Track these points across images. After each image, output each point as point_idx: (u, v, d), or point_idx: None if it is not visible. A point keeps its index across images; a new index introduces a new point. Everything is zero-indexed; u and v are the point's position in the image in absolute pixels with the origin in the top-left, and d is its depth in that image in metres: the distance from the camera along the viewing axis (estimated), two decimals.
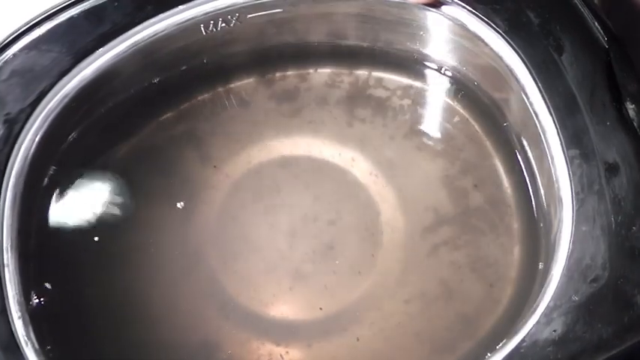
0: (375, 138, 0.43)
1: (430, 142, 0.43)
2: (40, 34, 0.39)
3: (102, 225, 0.42)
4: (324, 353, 0.39)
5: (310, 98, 0.44)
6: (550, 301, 0.34)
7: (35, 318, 0.36)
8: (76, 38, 0.39)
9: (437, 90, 0.44)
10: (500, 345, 0.34)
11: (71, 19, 0.39)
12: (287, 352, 0.39)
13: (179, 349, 0.39)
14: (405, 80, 0.44)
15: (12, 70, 0.39)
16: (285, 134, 0.43)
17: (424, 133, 0.43)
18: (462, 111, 0.43)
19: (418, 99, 0.44)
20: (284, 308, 0.40)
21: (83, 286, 0.40)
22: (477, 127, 0.43)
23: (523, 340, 0.33)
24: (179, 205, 0.42)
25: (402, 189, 0.42)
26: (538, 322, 0.33)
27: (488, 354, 0.33)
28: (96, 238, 0.41)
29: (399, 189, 0.42)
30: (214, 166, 0.43)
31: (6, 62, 0.39)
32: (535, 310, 0.34)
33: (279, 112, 0.44)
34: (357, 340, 0.39)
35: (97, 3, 0.39)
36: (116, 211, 0.42)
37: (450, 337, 0.39)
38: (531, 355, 0.33)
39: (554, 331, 0.33)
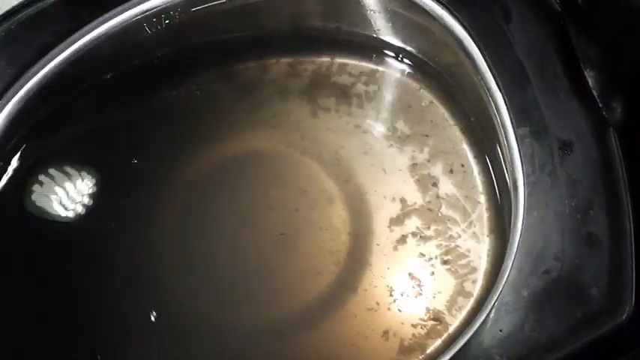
0: (340, 127, 0.41)
1: (396, 130, 0.40)
2: None
3: (51, 228, 0.40)
4: (287, 351, 0.37)
5: (273, 89, 0.42)
6: (497, 298, 0.31)
7: None
8: (15, 50, 0.38)
9: (400, 73, 0.41)
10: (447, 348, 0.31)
11: (8, 31, 0.38)
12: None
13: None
14: (368, 65, 0.41)
15: None
16: (249, 128, 0.41)
17: (390, 120, 0.40)
18: (428, 94, 0.40)
19: (382, 84, 0.41)
20: (245, 305, 0.38)
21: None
22: (443, 110, 0.40)
23: (468, 342, 0.30)
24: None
25: (369, 179, 0.39)
26: (484, 321, 0.30)
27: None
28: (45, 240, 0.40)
29: (364, 179, 0.39)
30: (174, 162, 0.41)
31: None
32: (482, 307, 0.31)
33: (241, 106, 0.42)
34: (321, 338, 0.37)
35: (31, 13, 0.38)
36: (69, 206, 0.41)
37: (419, 335, 0.37)
38: (475, 358, 0.30)
39: (500, 330, 0.30)
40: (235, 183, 0.41)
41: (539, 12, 0.33)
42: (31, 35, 0.39)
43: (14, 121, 0.39)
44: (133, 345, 0.37)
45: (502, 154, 0.35)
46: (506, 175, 0.35)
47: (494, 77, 0.33)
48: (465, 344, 0.30)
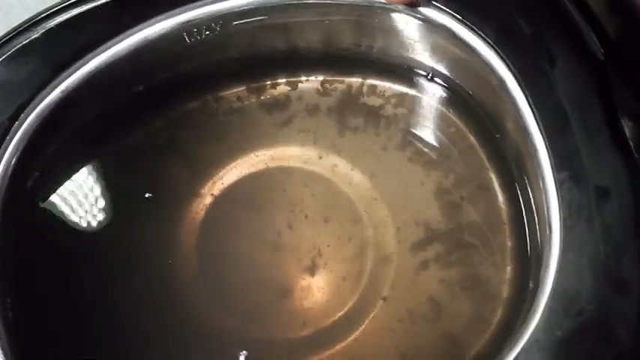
0: (367, 148, 0.41)
1: (424, 154, 0.41)
2: (18, 46, 0.38)
3: (82, 231, 0.41)
4: None
5: (301, 106, 0.43)
6: (531, 336, 0.32)
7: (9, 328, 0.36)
8: (55, 50, 0.38)
9: (431, 99, 0.42)
10: None
11: (50, 31, 0.38)
12: None
13: None
14: (399, 88, 0.42)
15: None
16: (275, 144, 0.42)
17: (418, 144, 0.41)
18: (457, 121, 0.41)
19: (412, 108, 0.42)
20: (265, 322, 0.39)
21: (55, 289, 0.39)
22: (472, 138, 0.41)
23: None
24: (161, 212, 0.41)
25: (393, 202, 0.40)
26: (516, 358, 0.32)
27: None
28: (75, 244, 0.40)
29: (389, 202, 0.40)
30: (200, 175, 0.42)
31: None
32: (515, 344, 0.32)
33: (269, 121, 0.43)
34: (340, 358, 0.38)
35: (74, 14, 0.39)
36: (98, 218, 0.41)
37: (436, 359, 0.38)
38: None
39: None
40: (259, 198, 0.41)
41: (583, 60, 0.34)
42: (71, 36, 0.39)
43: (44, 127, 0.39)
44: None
45: (533, 192, 0.36)
46: (536, 213, 0.36)
47: (535, 119, 0.34)
48: None
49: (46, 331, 0.38)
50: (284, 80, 0.43)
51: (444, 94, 0.42)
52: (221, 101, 0.43)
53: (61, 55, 0.38)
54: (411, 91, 0.42)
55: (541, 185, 0.34)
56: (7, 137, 0.38)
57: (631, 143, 0.33)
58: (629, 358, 0.31)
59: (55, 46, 0.38)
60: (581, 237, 0.32)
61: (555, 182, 0.33)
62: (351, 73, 0.43)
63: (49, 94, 0.38)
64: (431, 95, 0.42)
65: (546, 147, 0.34)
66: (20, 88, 0.38)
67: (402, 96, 0.42)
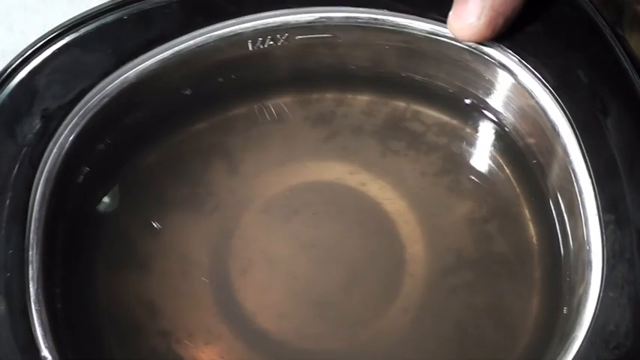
0: (407, 172, 0.43)
1: (460, 182, 0.43)
2: (87, 32, 0.39)
3: (127, 231, 0.42)
4: None
5: (346, 124, 0.44)
6: None
7: (55, 320, 0.36)
8: (122, 40, 0.39)
9: (474, 131, 0.44)
10: None
11: (120, 20, 0.39)
12: None
13: None
14: (442, 117, 0.44)
15: (54, 66, 0.38)
16: (317, 158, 0.43)
17: (455, 173, 0.43)
18: (496, 155, 0.43)
19: (454, 138, 0.44)
20: (295, 337, 0.41)
21: (100, 289, 0.40)
22: (509, 173, 0.43)
23: None
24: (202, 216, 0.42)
25: (427, 226, 0.42)
26: None
27: None
28: (119, 243, 0.41)
29: (424, 226, 0.42)
30: (242, 181, 0.43)
31: (49, 57, 0.38)
32: None
33: (312, 135, 0.44)
34: None
35: (147, 7, 0.39)
36: (142, 218, 0.42)
37: None
38: None
39: None
40: (297, 209, 0.43)
41: (634, 114, 0.37)
42: (141, 29, 0.39)
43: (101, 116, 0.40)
44: None
45: (572, 230, 0.38)
46: (573, 250, 0.38)
47: (585, 163, 0.37)
48: None
49: (91, 324, 0.39)
50: (331, 96, 0.45)
51: (488, 128, 0.44)
52: (266, 110, 0.44)
53: (128, 47, 0.39)
54: (455, 121, 0.44)
55: (583, 225, 0.37)
56: (65, 121, 0.38)
57: None
58: None
59: (123, 36, 0.39)
60: (622, 276, 0.35)
61: (600, 223, 0.36)
62: (397, 97, 0.45)
63: (109, 84, 0.39)
64: (474, 127, 0.44)
65: (594, 190, 0.36)
66: (84, 74, 0.39)
67: (445, 125, 0.44)
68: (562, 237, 0.40)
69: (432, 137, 0.44)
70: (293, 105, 0.45)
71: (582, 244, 0.37)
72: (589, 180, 0.37)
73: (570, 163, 0.37)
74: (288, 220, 0.42)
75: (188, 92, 0.42)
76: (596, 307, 0.35)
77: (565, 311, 0.37)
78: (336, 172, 0.43)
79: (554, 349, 0.36)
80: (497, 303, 0.40)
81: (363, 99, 0.45)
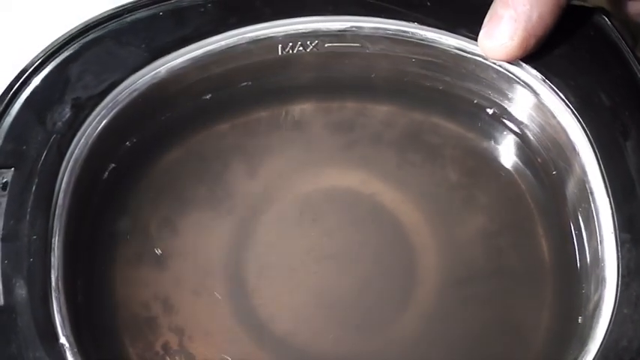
0: (422, 184, 0.44)
1: (475, 197, 0.44)
2: (122, 25, 0.39)
3: (145, 228, 0.42)
4: None
5: (365, 134, 0.45)
6: None
7: (74, 310, 0.36)
8: (156, 36, 0.40)
9: (492, 146, 0.45)
10: None
11: (155, 16, 0.40)
12: None
13: None
14: (461, 131, 0.45)
15: (87, 57, 0.39)
16: (335, 165, 0.44)
17: (470, 187, 0.44)
18: (513, 170, 0.44)
19: (471, 152, 0.45)
20: (309, 339, 0.41)
21: (118, 283, 0.41)
22: (525, 189, 0.44)
23: None
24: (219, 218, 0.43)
25: (441, 239, 0.43)
26: None
27: None
28: (138, 240, 0.42)
29: (437, 238, 0.43)
30: (260, 185, 0.43)
31: (83, 48, 0.39)
32: None
33: (332, 142, 0.44)
34: None
35: (183, 5, 0.40)
36: (160, 216, 0.42)
37: None
38: None
39: None
40: (314, 215, 0.43)
41: None
42: (175, 26, 0.40)
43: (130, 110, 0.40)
44: None
45: (588, 248, 0.39)
46: (588, 267, 0.39)
47: (604, 184, 0.38)
48: None
49: (108, 317, 0.40)
50: (352, 105, 0.45)
51: (507, 143, 0.44)
52: (288, 115, 0.45)
53: (161, 43, 0.40)
54: (473, 135, 0.45)
55: (599, 243, 0.38)
56: (95, 112, 0.39)
57: None
58: None
59: (157, 32, 0.40)
60: (636, 294, 0.36)
61: (616, 241, 0.37)
62: (417, 109, 0.45)
63: (139, 78, 0.39)
64: (492, 142, 0.45)
65: (611, 209, 0.37)
66: (116, 66, 0.39)
67: (463, 138, 0.45)
68: (577, 253, 0.40)
69: (449, 150, 0.45)
70: (314, 112, 0.45)
71: (597, 261, 0.38)
72: (607, 199, 0.38)
73: (588, 182, 0.39)
74: (304, 226, 0.43)
75: (214, 93, 0.43)
76: (610, 322, 0.36)
77: (580, 321, 0.38)
78: (353, 180, 0.44)
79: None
80: (509, 316, 0.41)
81: (383, 109, 0.45)
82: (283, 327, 0.41)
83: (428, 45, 0.41)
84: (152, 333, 0.40)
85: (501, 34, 0.39)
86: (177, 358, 0.40)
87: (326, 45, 0.42)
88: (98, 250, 0.41)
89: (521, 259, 0.42)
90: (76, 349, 0.35)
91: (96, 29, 0.39)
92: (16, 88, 0.38)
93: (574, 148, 0.39)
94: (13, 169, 0.37)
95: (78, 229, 0.39)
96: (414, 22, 0.40)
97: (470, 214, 0.43)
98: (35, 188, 0.37)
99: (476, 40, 0.40)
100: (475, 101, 0.44)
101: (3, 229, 0.36)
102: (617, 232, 0.37)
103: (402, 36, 0.41)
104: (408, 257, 0.42)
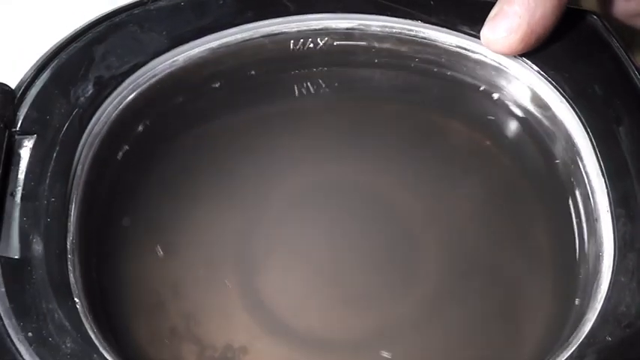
0: (430, 179, 0.45)
1: (479, 191, 0.45)
2: (145, 12, 0.42)
3: (156, 216, 0.43)
4: None
5: (374, 129, 0.46)
6: (584, 339, 0.36)
7: (89, 280, 0.38)
8: (177, 25, 0.42)
9: (493, 140, 0.46)
10: None
11: (176, 6, 0.42)
12: None
13: (206, 347, 0.40)
14: (464, 127, 0.47)
15: (111, 40, 0.41)
16: (342, 158, 0.45)
17: (475, 181, 0.45)
18: (514, 162, 0.46)
19: (474, 146, 0.46)
20: (312, 325, 0.42)
21: (128, 267, 0.42)
22: (527, 179, 0.45)
23: None
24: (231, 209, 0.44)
25: (444, 232, 0.44)
26: (572, 355, 0.35)
27: None
28: (148, 227, 0.43)
29: (441, 231, 0.44)
30: (269, 176, 0.45)
31: (108, 31, 0.41)
32: (569, 344, 0.36)
33: (340, 137, 0.46)
34: None
35: None
36: (170, 204, 0.43)
37: None
38: None
39: None
40: (320, 206, 0.44)
41: None
42: (194, 16, 0.42)
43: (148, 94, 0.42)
44: None
45: (587, 227, 0.41)
46: (585, 245, 0.41)
47: (599, 166, 0.39)
48: None
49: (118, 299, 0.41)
50: (360, 102, 0.47)
51: (507, 137, 0.46)
52: (297, 110, 0.47)
53: (181, 32, 0.42)
54: (476, 131, 0.47)
55: (595, 220, 0.39)
56: (116, 91, 0.41)
57: None
58: None
59: (177, 21, 0.42)
60: (633, 264, 0.37)
61: (612, 217, 0.39)
62: (422, 107, 0.47)
63: (159, 64, 0.42)
64: (493, 136, 0.46)
65: (607, 188, 0.39)
66: (138, 50, 0.41)
67: (466, 133, 0.47)
68: (576, 235, 0.42)
69: (453, 146, 0.46)
70: (323, 107, 0.47)
71: (594, 238, 0.39)
72: (602, 179, 0.39)
73: (584, 166, 0.41)
74: (309, 216, 0.44)
75: (227, 84, 0.45)
76: (608, 289, 0.37)
77: (577, 302, 0.39)
78: (359, 173, 0.45)
79: (566, 336, 0.38)
80: (509, 303, 0.42)
81: (390, 107, 0.47)
82: (289, 313, 0.41)
83: (430, 44, 0.44)
84: (160, 317, 0.41)
85: (505, 28, 0.41)
86: (184, 342, 0.40)
87: (335, 43, 0.44)
88: (110, 233, 0.42)
89: (521, 245, 0.43)
90: (87, 309, 0.36)
91: (122, 15, 0.41)
92: (43, 62, 0.40)
93: (570, 136, 0.41)
94: (35, 135, 0.38)
95: (93, 203, 0.40)
96: (418, 20, 0.43)
97: (471, 203, 0.45)
98: (56, 156, 0.38)
99: (476, 37, 0.43)
100: (477, 99, 0.46)
101: (23, 189, 0.37)
102: (613, 208, 0.39)
103: (407, 34, 0.43)
104: (411, 248, 0.43)
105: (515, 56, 0.43)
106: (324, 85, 0.47)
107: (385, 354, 0.40)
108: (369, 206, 0.45)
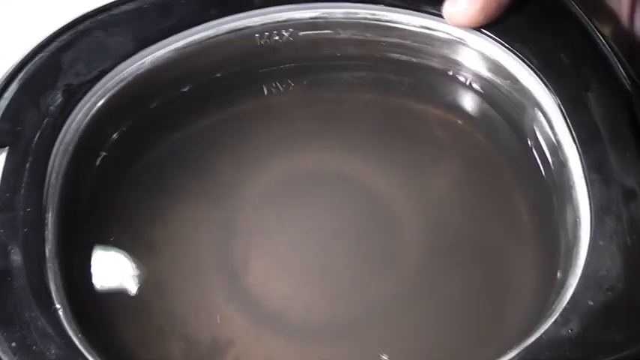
0: (406, 162, 0.45)
1: (455, 169, 0.45)
2: (109, 17, 0.42)
3: (137, 217, 0.43)
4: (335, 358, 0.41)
5: (346, 119, 0.47)
6: (567, 304, 0.36)
7: (70, 285, 0.38)
8: (142, 27, 0.42)
9: (465, 119, 0.47)
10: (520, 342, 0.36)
11: (140, 8, 0.42)
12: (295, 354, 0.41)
13: (194, 343, 0.40)
14: (436, 110, 0.47)
15: (77, 47, 0.41)
16: (317, 149, 0.46)
17: (450, 160, 0.46)
18: (488, 139, 0.46)
19: (447, 127, 0.47)
20: (299, 313, 0.42)
21: (108, 270, 0.42)
22: (500, 155, 0.46)
23: (541, 337, 0.35)
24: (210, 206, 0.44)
25: (425, 212, 0.44)
26: (555, 321, 0.35)
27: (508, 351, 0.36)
28: (129, 228, 0.43)
29: (421, 211, 0.44)
30: (246, 172, 0.45)
31: (73, 39, 0.41)
32: (552, 311, 0.36)
33: (313, 129, 0.46)
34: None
35: None
36: (151, 205, 0.44)
37: (460, 356, 0.41)
38: (549, 351, 0.35)
39: (571, 330, 0.35)
40: (298, 197, 0.45)
41: (613, 88, 0.40)
42: (158, 18, 0.43)
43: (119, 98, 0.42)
44: None
45: (561, 195, 0.41)
46: (565, 214, 0.41)
47: (570, 133, 0.40)
48: (540, 337, 0.35)
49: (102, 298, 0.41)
50: (331, 92, 0.48)
51: (478, 114, 0.47)
52: (269, 105, 0.47)
53: (147, 33, 0.42)
54: (448, 113, 0.47)
55: (569, 188, 0.40)
56: (85, 97, 0.41)
57: None
58: None
59: (143, 23, 0.42)
60: (610, 227, 0.37)
61: (587, 182, 0.39)
62: (394, 92, 0.48)
63: (127, 67, 0.42)
64: (465, 116, 0.47)
65: (579, 154, 0.39)
66: (105, 55, 0.42)
67: (438, 115, 0.47)
68: (555, 207, 0.42)
69: (426, 128, 0.47)
70: (296, 100, 0.47)
71: (570, 206, 0.39)
72: (574, 147, 0.40)
73: (556, 135, 0.41)
74: (290, 208, 0.44)
75: (198, 83, 0.45)
76: (588, 254, 0.37)
77: (559, 269, 0.39)
78: (335, 162, 0.45)
79: (550, 303, 0.38)
80: (493, 278, 0.42)
81: (359, 93, 0.48)
82: (274, 305, 0.41)
83: (395, 27, 0.44)
84: (146, 317, 0.41)
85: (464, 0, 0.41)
86: (171, 340, 0.40)
87: (300, 33, 0.44)
88: (90, 239, 0.42)
89: (500, 219, 0.44)
90: (70, 314, 0.36)
91: (86, 21, 0.42)
92: (11, 74, 0.40)
93: (540, 106, 0.41)
94: (7, 147, 0.39)
95: (70, 210, 0.40)
96: (380, 4, 0.43)
97: (450, 184, 0.45)
98: (29, 166, 0.38)
99: (440, 16, 0.43)
100: (447, 79, 0.46)
101: None
102: (587, 174, 0.39)
103: (371, 19, 0.44)
104: (393, 230, 0.43)
105: (479, 31, 0.43)
106: (292, 81, 0.47)
107: (377, 338, 0.41)
108: (348, 193, 0.45)
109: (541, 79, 0.41)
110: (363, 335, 0.41)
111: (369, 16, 0.43)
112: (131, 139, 0.44)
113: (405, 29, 0.44)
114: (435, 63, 0.46)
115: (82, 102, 0.40)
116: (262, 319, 0.41)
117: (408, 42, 0.44)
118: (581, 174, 0.39)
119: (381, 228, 0.44)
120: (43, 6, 0.50)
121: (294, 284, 0.42)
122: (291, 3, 0.43)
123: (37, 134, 0.39)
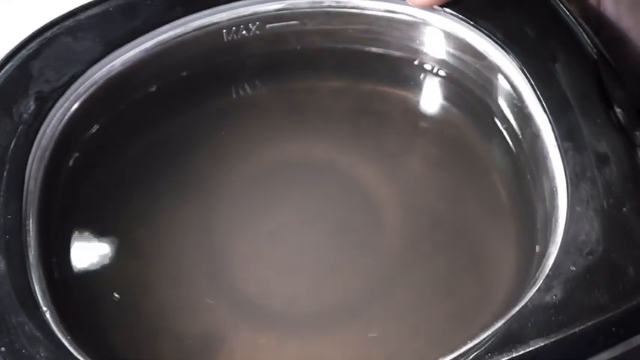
0: (382, 146, 0.46)
1: (431, 150, 0.46)
2: (76, 22, 0.42)
3: (116, 217, 0.43)
4: (325, 345, 0.41)
5: (317, 108, 0.47)
6: (549, 271, 0.36)
7: (55, 288, 0.38)
8: (109, 30, 0.42)
9: (436, 101, 0.47)
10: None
11: (106, 11, 0.43)
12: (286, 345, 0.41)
13: (184, 340, 0.40)
14: (405, 92, 0.48)
15: (46, 54, 0.41)
16: (293, 140, 0.46)
17: (426, 142, 0.47)
18: (460, 117, 0.47)
19: (419, 110, 0.47)
20: (285, 304, 0.42)
21: (94, 270, 0.42)
22: (473, 135, 0.46)
23: (526, 305, 0.36)
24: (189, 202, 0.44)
25: (404, 194, 0.44)
26: (539, 289, 0.36)
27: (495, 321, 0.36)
28: (109, 229, 0.43)
29: (400, 193, 0.44)
30: (224, 167, 0.45)
31: (42, 45, 0.41)
32: (536, 280, 0.36)
33: (287, 119, 0.47)
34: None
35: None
36: (130, 205, 0.44)
37: (447, 332, 0.41)
38: (534, 317, 0.35)
39: (555, 296, 0.35)
40: (277, 187, 0.45)
41: (579, 58, 0.41)
42: (124, 20, 0.43)
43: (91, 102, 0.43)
44: None
45: (536, 168, 0.41)
46: (542, 189, 0.41)
47: (540, 104, 0.40)
48: (525, 305, 0.35)
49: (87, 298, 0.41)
50: (302, 82, 0.48)
51: (449, 94, 0.47)
52: (242, 99, 0.48)
53: (115, 36, 0.42)
54: (419, 96, 0.47)
55: (546, 158, 0.40)
56: (58, 103, 0.41)
57: (623, 124, 0.40)
58: (637, 288, 0.36)
59: (110, 26, 0.42)
60: (586, 193, 0.38)
61: (560, 151, 0.39)
62: (362, 79, 0.48)
63: (97, 71, 0.42)
64: (437, 98, 0.47)
65: (551, 125, 0.40)
66: (74, 61, 0.42)
67: (409, 100, 0.47)
68: (531, 179, 0.42)
69: (399, 114, 0.47)
70: (267, 93, 0.48)
71: (546, 177, 0.40)
72: (545, 117, 0.40)
73: (527, 107, 0.41)
74: (270, 199, 0.44)
75: (170, 82, 0.45)
76: (566, 221, 0.37)
77: (539, 240, 0.40)
78: (311, 149, 0.46)
79: (533, 275, 0.38)
80: (479, 259, 0.42)
81: (330, 83, 0.48)
82: (260, 296, 0.42)
83: (360, 13, 0.44)
84: (135, 317, 0.41)
85: None
86: (161, 338, 0.40)
87: (267, 26, 0.45)
88: (72, 242, 0.42)
89: (479, 196, 0.44)
90: (57, 317, 0.36)
91: (54, 28, 0.42)
92: None
93: (509, 81, 0.42)
94: None
95: (51, 215, 0.40)
96: None
97: (425, 167, 0.46)
98: (7, 174, 0.38)
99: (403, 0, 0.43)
100: (415, 62, 0.47)
101: None
102: (560, 142, 0.39)
103: (335, 7, 0.44)
104: (372, 215, 0.44)
105: (443, 10, 0.43)
106: (261, 75, 0.48)
107: (364, 322, 0.41)
108: (326, 181, 0.45)
109: (507, 53, 0.42)
110: (350, 319, 0.41)
111: (333, 4, 0.44)
112: (107, 140, 0.44)
113: (369, 15, 0.44)
114: (401, 49, 0.46)
115: (55, 108, 0.41)
116: (251, 311, 0.41)
117: (374, 27, 0.45)
118: (555, 143, 0.39)
119: (360, 213, 0.44)
120: (9, 15, 0.50)
121: (278, 275, 0.42)
122: None
123: (13, 142, 0.39)
